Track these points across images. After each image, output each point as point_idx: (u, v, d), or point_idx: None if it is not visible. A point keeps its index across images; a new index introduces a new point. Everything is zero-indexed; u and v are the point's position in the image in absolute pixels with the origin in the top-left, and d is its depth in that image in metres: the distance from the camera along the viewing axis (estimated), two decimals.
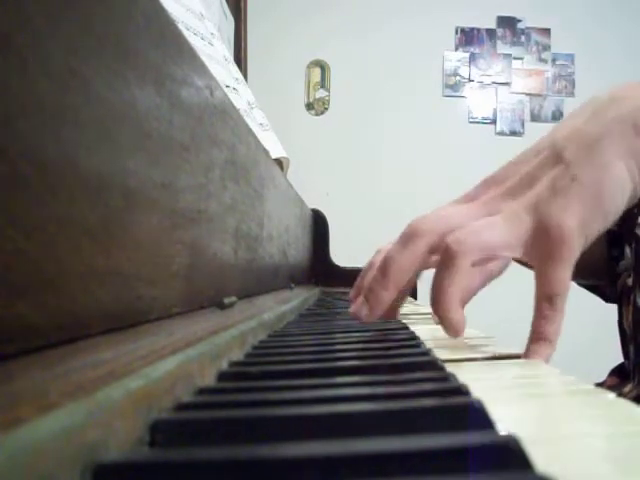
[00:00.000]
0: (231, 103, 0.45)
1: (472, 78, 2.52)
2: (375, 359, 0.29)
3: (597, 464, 0.15)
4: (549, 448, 0.16)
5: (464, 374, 0.24)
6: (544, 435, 0.18)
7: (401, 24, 2.44)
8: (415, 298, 0.94)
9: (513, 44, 2.53)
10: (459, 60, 2.52)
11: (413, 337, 0.37)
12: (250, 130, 0.53)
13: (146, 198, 0.27)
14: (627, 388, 0.49)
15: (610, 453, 0.16)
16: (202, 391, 0.23)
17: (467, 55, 2.52)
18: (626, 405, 0.21)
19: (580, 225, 0.33)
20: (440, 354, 0.31)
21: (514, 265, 0.43)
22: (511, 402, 0.22)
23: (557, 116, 2.45)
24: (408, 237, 0.36)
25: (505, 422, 0.17)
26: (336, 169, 2.39)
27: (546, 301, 0.33)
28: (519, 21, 2.53)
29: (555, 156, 0.35)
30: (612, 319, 0.55)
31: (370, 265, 0.53)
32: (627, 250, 0.68)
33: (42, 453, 0.12)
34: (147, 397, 0.18)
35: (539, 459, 0.14)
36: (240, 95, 0.81)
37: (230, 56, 0.88)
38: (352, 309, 0.38)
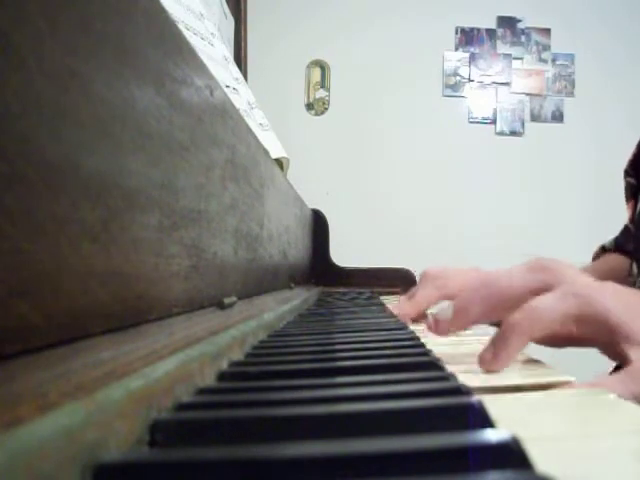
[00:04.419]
0: (231, 103, 0.45)
1: (472, 78, 2.51)
2: (375, 359, 0.29)
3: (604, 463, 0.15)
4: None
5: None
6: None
7: (401, 24, 2.44)
8: None
9: (513, 44, 2.53)
10: (459, 60, 2.52)
11: (413, 337, 0.37)
12: (250, 130, 0.53)
13: (146, 198, 0.27)
14: None
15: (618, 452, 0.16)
16: (202, 391, 0.23)
17: (467, 55, 2.52)
18: (627, 405, 0.21)
19: None
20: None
21: None
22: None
23: (557, 116, 2.44)
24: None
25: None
26: (336, 169, 2.39)
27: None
28: (519, 21, 2.53)
29: None
30: None
31: (411, 293, 0.56)
32: (634, 267, 0.68)
33: (42, 453, 0.12)
34: (147, 397, 0.18)
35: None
36: (240, 95, 0.81)
37: (230, 56, 0.88)
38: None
